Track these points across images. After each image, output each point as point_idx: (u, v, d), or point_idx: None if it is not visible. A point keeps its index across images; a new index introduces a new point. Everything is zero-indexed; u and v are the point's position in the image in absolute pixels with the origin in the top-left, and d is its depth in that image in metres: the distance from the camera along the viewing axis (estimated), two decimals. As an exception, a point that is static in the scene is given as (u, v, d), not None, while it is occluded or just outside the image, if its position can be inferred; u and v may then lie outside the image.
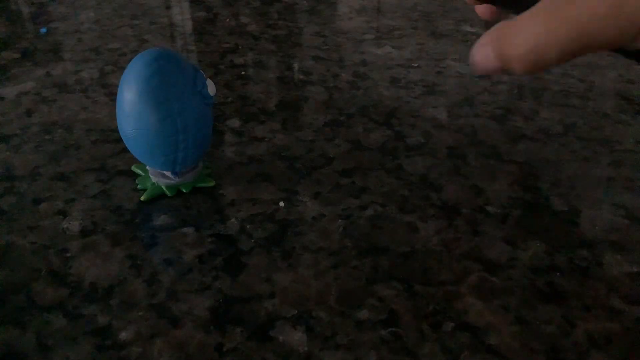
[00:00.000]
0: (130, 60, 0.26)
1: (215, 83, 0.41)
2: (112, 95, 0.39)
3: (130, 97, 0.25)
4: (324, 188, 0.30)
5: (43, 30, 0.51)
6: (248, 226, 0.27)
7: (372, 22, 0.52)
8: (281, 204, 0.28)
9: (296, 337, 0.21)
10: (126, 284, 0.24)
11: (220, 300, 0.23)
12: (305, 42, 0.49)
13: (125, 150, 0.33)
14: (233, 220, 0.27)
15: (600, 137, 0.35)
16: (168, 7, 0.57)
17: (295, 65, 0.45)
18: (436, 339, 0.21)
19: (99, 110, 0.37)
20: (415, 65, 0.45)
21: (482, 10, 0.25)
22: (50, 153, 0.33)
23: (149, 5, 0.57)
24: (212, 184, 0.30)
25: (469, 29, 0.50)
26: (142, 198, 0.29)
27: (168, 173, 0.29)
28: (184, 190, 0.29)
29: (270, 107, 0.38)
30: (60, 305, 0.23)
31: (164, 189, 0.29)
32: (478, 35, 0.53)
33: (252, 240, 0.26)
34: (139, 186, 0.30)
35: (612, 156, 0.33)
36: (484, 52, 0.21)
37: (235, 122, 0.36)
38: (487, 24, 0.52)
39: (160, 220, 0.28)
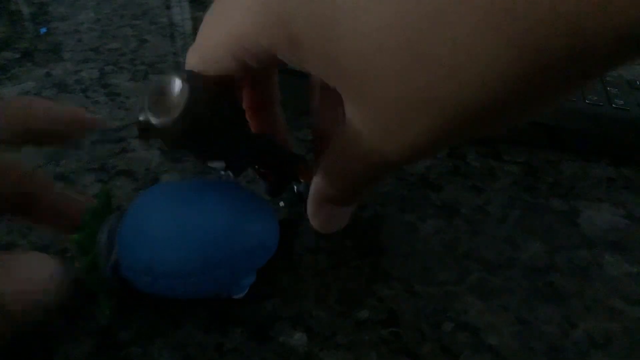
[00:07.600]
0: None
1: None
2: (112, 95, 0.39)
3: None
4: (324, 188, 0.30)
5: (43, 30, 0.51)
6: (248, 226, 0.27)
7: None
8: (281, 204, 0.28)
9: (296, 337, 0.21)
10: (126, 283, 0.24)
11: (220, 301, 0.23)
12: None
13: (125, 150, 0.33)
14: (233, 220, 0.27)
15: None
16: (168, 7, 0.57)
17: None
18: (436, 339, 0.21)
19: (99, 111, 0.37)
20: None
21: None
22: (49, 153, 0.33)
23: (149, 5, 0.57)
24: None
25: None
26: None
27: None
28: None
29: (270, 107, 0.37)
30: (60, 305, 0.23)
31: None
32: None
33: (252, 240, 0.26)
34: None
35: (613, 156, 0.33)
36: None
37: (235, 122, 0.36)
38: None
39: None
